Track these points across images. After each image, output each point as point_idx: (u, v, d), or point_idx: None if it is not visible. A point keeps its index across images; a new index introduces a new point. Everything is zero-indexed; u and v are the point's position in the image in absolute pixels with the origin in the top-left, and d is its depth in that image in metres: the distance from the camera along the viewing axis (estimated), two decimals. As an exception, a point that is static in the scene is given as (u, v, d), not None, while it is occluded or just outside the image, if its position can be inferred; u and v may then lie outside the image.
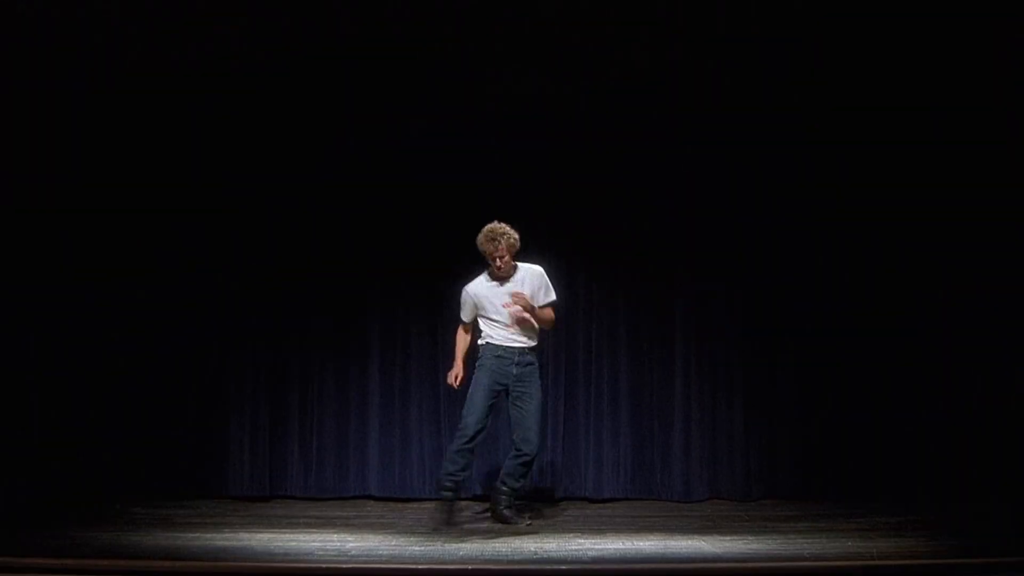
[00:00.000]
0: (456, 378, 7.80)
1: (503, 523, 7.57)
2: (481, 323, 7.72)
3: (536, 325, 7.64)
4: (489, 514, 7.76)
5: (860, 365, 8.73)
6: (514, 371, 7.59)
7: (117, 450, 8.65)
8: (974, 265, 8.63)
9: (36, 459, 8.43)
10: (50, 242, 8.65)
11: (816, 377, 8.76)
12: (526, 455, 7.56)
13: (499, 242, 7.51)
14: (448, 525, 7.56)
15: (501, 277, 7.64)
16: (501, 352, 7.61)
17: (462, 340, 7.85)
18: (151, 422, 8.72)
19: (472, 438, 7.56)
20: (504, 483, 7.63)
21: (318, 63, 8.76)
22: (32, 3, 8.18)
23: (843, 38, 8.53)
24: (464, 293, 7.75)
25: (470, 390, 7.64)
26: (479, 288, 7.70)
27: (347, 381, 8.90)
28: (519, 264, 7.69)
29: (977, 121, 8.59)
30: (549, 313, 7.71)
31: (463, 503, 8.56)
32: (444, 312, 8.83)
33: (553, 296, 7.73)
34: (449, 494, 7.63)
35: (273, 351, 8.89)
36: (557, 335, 8.76)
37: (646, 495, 8.76)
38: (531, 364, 7.64)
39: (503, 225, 7.54)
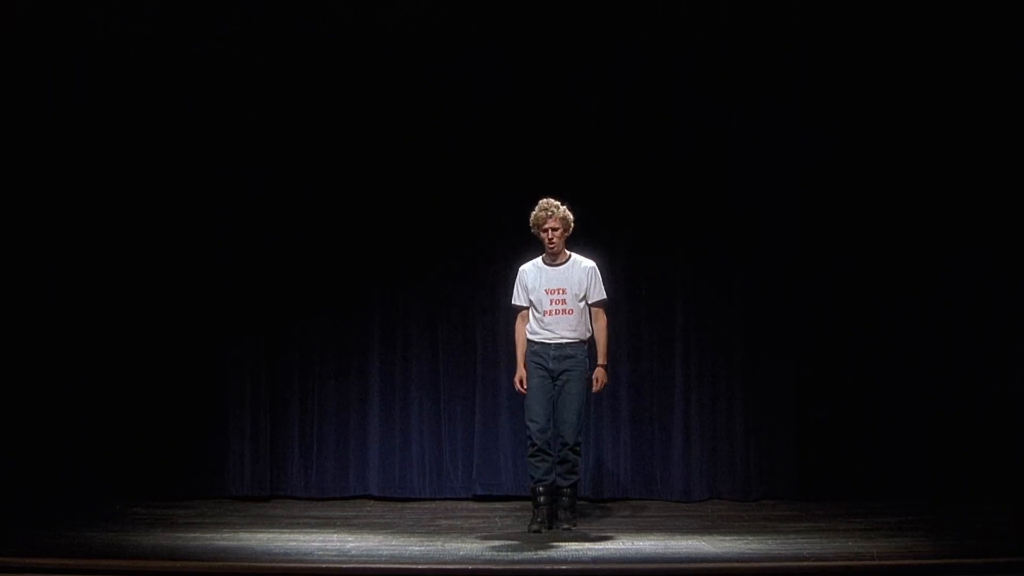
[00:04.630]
0: (521, 382, 7.58)
1: (558, 521, 7.47)
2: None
3: (587, 325, 7.55)
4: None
5: (860, 365, 8.72)
6: (550, 364, 7.48)
7: (117, 450, 8.65)
8: (973, 265, 8.63)
9: (37, 459, 8.43)
10: (46, 242, 8.64)
11: (816, 377, 8.75)
12: (564, 446, 7.47)
13: (552, 212, 7.46)
14: (543, 527, 7.45)
15: (553, 263, 7.57)
16: (537, 348, 7.52)
17: (521, 334, 7.63)
18: (151, 422, 8.72)
19: (536, 444, 7.45)
20: (558, 484, 7.55)
21: (316, 58, 8.76)
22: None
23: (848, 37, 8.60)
24: (519, 272, 7.66)
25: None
26: (531, 268, 7.62)
27: (347, 381, 8.89)
28: (573, 254, 7.64)
29: (977, 120, 8.60)
30: (602, 334, 7.59)
31: (460, 503, 8.63)
32: (445, 312, 8.85)
33: (603, 295, 7.62)
34: (542, 499, 7.48)
35: (273, 351, 8.89)
36: (557, 335, 8.79)
37: (646, 495, 8.76)
38: (571, 357, 7.47)
39: (554, 200, 7.51)
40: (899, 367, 8.68)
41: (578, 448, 7.55)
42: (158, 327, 8.78)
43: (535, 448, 7.47)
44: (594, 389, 7.64)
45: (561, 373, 7.50)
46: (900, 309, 8.72)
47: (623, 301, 8.82)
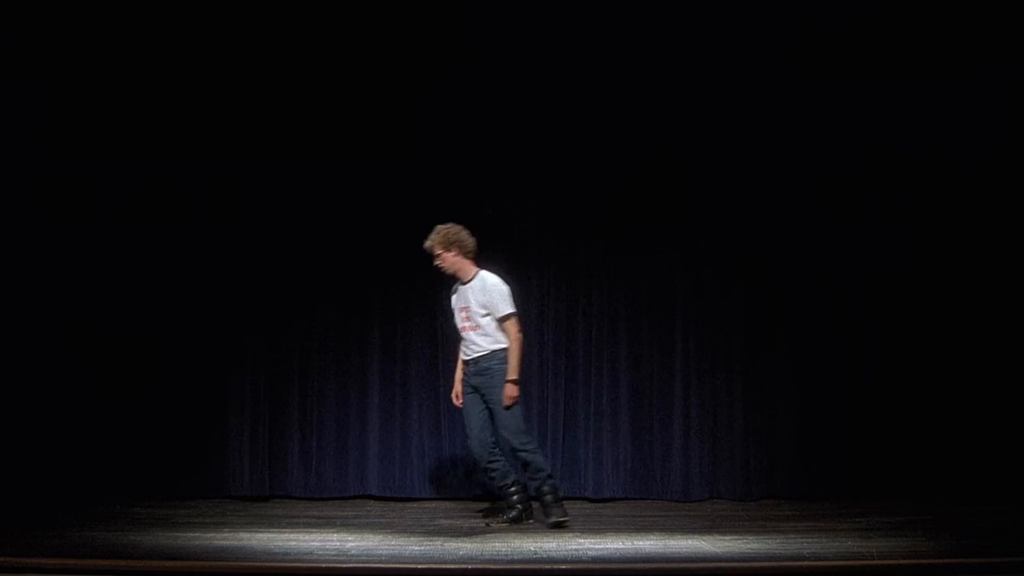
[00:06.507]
0: (456, 396, 7.76)
1: (546, 518, 7.59)
2: None
3: (497, 339, 7.52)
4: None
5: (860, 365, 8.73)
6: (472, 380, 7.60)
7: (117, 450, 8.65)
8: (973, 265, 8.63)
9: (37, 459, 8.42)
10: (46, 242, 8.64)
11: (816, 377, 8.76)
12: (512, 452, 7.57)
13: (429, 249, 7.52)
14: (527, 522, 7.61)
15: (462, 281, 7.61)
16: (463, 365, 7.68)
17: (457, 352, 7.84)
18: (151, 422, 8.72)
19: (477, 459, 7.64)
20: (531, 485, 7.67)
21: (315, 57, 8.76)
22: None
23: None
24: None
25: None
26: (450, 292, 7.75)
27: (347, 381, 8.90)
28: (481, 271, 7.61)
29: (978, 120, 8.60)
30: (511, 348, 7.49)
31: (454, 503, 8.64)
32: (444, 312, 8.83)
33: (506, 310, 7.51)
34: (514, 498, 7.63)
35: (273, 350, 8.89)
36: (557, 335, 8.80)
37: (646, 495, 8.76)
38: (486, 371, 7.53)
39: (448, 224, 7.52)
40: (899, 367, 8.68)
41: (526, 449, 7.54)
42: (158, 327, 8.78)
43: (477, 465, 7.69)
44: (503, 405, 7.49)
45: (480, 387, 7.58)
46: (900, 309, 8.72)
47: (622, 301, 8.83)
